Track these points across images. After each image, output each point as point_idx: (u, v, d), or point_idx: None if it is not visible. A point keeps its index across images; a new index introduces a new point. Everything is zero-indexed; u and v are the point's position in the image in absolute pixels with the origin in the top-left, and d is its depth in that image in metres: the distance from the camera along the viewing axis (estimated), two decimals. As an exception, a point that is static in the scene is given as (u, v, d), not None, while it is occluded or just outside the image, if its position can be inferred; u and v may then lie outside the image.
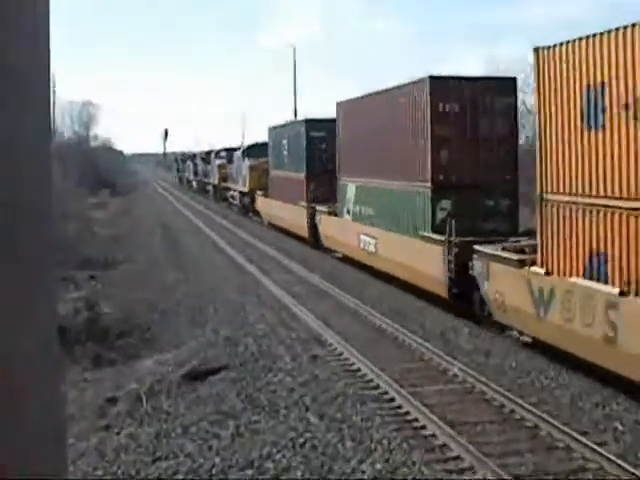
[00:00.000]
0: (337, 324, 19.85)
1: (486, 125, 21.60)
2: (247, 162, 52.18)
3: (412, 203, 22.57)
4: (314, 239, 34.95)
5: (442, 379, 15.41)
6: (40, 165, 2.15)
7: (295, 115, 54.20)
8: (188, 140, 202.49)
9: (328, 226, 32.54)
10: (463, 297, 19.81)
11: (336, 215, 31.17)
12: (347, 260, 30.38)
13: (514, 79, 22.77)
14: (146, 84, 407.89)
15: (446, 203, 21.29)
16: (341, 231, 30.39)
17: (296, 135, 38.50)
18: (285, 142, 41.14)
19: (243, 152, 54.72)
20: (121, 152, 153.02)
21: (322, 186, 34.65)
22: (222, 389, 15.08)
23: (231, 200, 62.23)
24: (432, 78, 21.84)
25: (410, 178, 22.66)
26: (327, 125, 33.96)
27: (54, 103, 70.60)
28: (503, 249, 18.34)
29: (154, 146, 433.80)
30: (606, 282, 13.96)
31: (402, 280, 23.74)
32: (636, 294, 13.26)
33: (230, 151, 67.40)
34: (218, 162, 70.26)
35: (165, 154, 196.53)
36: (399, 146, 23.37)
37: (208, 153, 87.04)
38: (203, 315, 21.77)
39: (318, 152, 35.50)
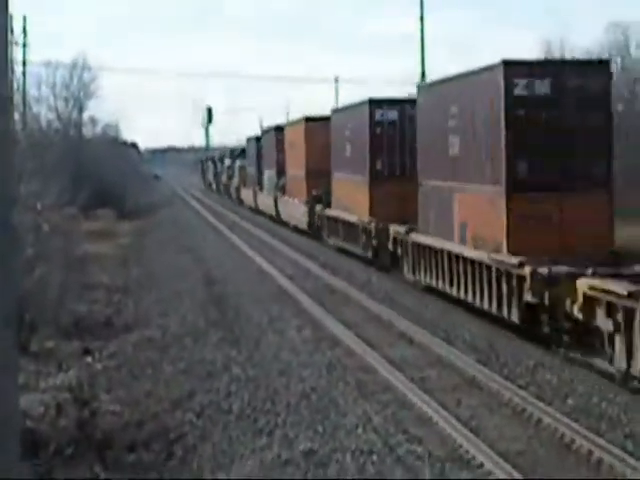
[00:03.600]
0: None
1: None
2: (237, 163, 74.01)
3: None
4: (256, 206, 61.56)
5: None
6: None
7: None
8: (244, 126, 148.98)
9: (258, 197, 60.53)
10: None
11: (262, 190, 58.75)
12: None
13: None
14: (174, 51, 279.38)
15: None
16: (262, 199, 58.55)
17: (252, 145, 64.60)
18: (251, 148, 65.11)
19: (237, 155, 75.28)
20: (135, 146, 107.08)
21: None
22: None
23: (231, 194, 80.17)
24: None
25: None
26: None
27: (23, 68, 51.70)
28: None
29: (189, 137, 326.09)
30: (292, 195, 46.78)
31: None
32: (292, 198, 46.50)
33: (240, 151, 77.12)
34: (226, 163, 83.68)
35: (208, 149, 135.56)
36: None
37: (233, 152, 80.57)
38: (269, 416, 14.78)
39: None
